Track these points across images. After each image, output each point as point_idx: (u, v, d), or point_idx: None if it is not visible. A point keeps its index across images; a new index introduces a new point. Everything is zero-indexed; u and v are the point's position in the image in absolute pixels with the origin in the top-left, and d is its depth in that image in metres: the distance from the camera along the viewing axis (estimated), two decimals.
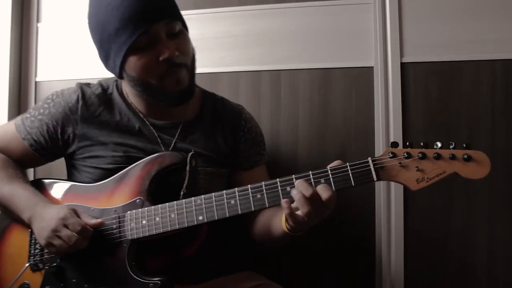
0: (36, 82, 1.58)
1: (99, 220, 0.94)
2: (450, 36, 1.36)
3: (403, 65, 1.37)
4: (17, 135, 1.06)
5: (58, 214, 0.90)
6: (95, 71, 1.50)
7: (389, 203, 1.35)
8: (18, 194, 0.98)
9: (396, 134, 1.36)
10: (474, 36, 1.34)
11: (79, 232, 0.89)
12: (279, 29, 1.45)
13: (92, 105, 1.05)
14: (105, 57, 1.00)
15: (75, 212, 0.92)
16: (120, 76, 1.01)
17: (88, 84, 1.09)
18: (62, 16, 1.58)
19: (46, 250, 0.96)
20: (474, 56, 1.34)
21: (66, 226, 0.89)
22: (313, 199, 0.82)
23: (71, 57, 1.56)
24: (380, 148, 1.36)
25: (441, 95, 1.36)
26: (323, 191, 0.82)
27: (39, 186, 1.04)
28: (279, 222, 0.93)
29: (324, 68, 1.42)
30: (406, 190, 1.16)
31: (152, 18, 0.92)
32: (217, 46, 1.46)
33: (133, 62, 0.96)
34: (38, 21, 1.59)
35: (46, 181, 1.06)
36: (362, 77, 1.40)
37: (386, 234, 1.34)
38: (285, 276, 1.25)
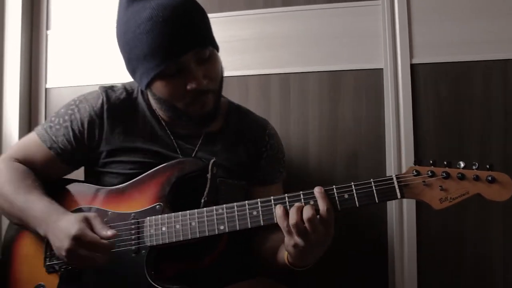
0: (46, 89, 1.59)
1: (112, 232, 0.86)
2: (460, 36, 1.35)
3: (412, 67, 1.37)
4: (42, 145, 1.02)
5: (70, 231, 0.84)
6: (105, 77, 1.52)
7: (401, 205, 1.34)
8: (33, 206, 0.92)
9: (406, 136, 1.35)
10: (485, 36, 1.34)
11: (95, 251, 0.84)
12: (287, 32, 1.45)
13: (117, 110, 1.03)
14: (132, 72, 0.98)
15: (88, 223, 0.86)
16: (145, 89, 1.01)
17: (112, 88, 1.07)
18: (71, 23, 1.59)
19: None
20: (485, 56, 1.34)
21: (80, 246, 0.84)
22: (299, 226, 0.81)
23: (80, 63, 1.57)
24: (391, 151, 1.36)
25: (452, 96, 1.36)
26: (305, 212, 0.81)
27: (59, 186, 1.03)
28: (283, 251, 0.92)
29: (333, 71, 1.42)
30: None
31: (182, 49, 0.90)
32: (225, 50, 1.42)
33: (160, 87, 0.95)
34: (47, 28, 1.60)
35: (67, 181, 1.05)
36: (371, 79, 1.40)
37: (398, 236, 1.34)
38: (299, 282, 1.25)
